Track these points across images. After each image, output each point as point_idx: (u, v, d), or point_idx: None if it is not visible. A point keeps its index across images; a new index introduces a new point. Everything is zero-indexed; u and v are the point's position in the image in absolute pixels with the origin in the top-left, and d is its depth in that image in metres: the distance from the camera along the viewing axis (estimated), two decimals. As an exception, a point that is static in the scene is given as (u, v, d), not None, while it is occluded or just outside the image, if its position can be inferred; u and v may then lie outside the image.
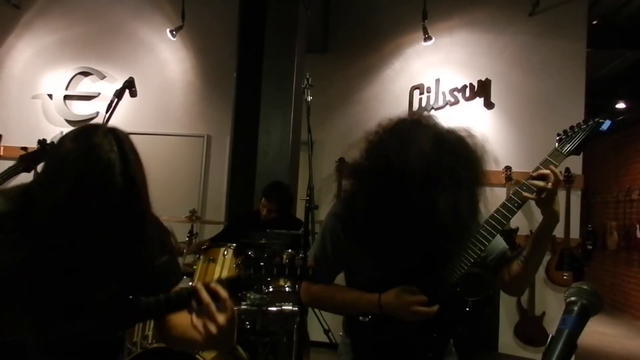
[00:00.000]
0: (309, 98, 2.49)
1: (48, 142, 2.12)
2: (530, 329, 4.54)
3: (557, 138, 1.60)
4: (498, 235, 1.59)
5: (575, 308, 0.86)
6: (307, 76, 2.51)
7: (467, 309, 1.56)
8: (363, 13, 5.25)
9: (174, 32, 5.04)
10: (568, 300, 0.88)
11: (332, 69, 5.16)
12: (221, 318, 1.05)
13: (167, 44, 5.31)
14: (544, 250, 1.60)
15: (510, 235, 4.15)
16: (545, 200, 1.50)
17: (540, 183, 1.49)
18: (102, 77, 5.38)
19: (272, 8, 4.27)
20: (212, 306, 1.06)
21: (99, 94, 5.34)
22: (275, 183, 3.71)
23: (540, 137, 4.73)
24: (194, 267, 3.17)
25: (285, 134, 4.18)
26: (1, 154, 5.21)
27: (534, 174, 1.51)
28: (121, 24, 5.43)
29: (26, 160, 2.00)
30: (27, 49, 5.56)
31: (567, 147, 1.57)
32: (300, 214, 3.97)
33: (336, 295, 1.67)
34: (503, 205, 1.55)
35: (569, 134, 1.59)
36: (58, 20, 5.53)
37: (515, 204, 1.54)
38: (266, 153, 4.15)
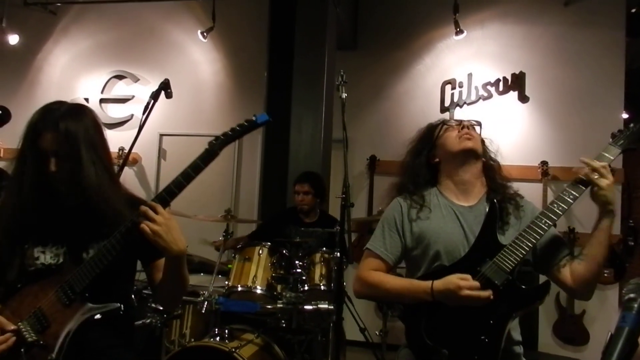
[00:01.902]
0: (344, 95, 2.48)
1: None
2: (569, 327, 4.43)
3: (612, 134, 1.64)
4: (553, 229, 1.63)
5: (636, 305, 0.83)
6: (342, 73, 2.49)
7: (523, 295, 1.59)
8: (392, 9, 5.20)
9: (205, 34, 5.09)
10: (627, 297, 0.85)
11: (362, 66, 5.12)
12: (158, 218, 1.36)
13: (198, 46, 5.37)
14: (604, 247, 1.59)
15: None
16: (599, 194, 1.54)
17: (595, 176, 1.53)
18: (136, 80, 5.48)
19: (301, 6, 4.27)
20: (149, 212, 1.36)
21: (133, 96, 5.45)
22: (305, 171, 3.77)
23: (578, 130, 4.61)
24: (229, 265, 3.20)
25: (316, 132, 4.17)
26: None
27: (587, 169, 1.55)
28: (153, 27, 5.52)
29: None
30: (64, 54, 5.71)
31: (622, 142, 1.60)
32: (333, 211, 3.97)
33: (388, 282, 1.71)
34: (558, 197, 1.60)
35: (625, 131, 1.62)
36: (93, 25, 5.66)
37: (570, 196, 1.58)
38: (298, 151, 4.16)
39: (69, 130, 1.43)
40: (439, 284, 1.59)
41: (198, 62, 5.44)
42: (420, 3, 5.12)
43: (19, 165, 1.47)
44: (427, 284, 1.61)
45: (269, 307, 2.72)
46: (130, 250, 1.46)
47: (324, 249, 3.02)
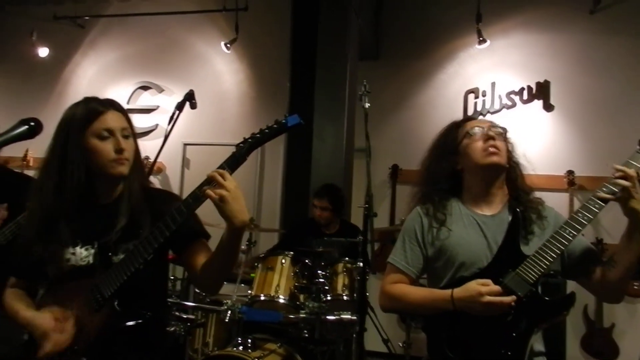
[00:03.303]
0: (367, 105, 2.48)
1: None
2: (598, 341, 4.32)
3: None
4: (581, 236, 1.59)
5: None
6: (365, 83, 2.50)
7: (547, 307, 1.55)
8: (414, 18, 5.20)
9: (228, 45, 5.16)
10: None
11: (384, 76, 5.12)
12: (227, 183, 1.29)
13: (222, 57, 5.45)
14: (634, 253, 1.55)
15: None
16: (626, 200, 1.49)
17: (624, 182, 1.48)
18: (161, 90, 5.58)
19: (324, 17, 4.30)
20: (217, 176, 1.30)
21: (158, 106, 5.54)
22: (324, 184, 3.77)
23: (604, 139, 4.52)
24: (252, 275, 3.21)
25: (338, 141, 4.18)
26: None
27: (615, 174, 1.51)
28: (178, 39, 5.62)
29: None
30: (92, 66, 5.85)
31: None
32: (355, 220, 3.96)
33: (411, 294, 1.69)
34: (583, 206, 1.55)
35: None
36: (119, 38, 5.79)
37: (596, 205, 1.53)
38: (320, 161, 4.17)
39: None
40: (459, 291, 1.56)
41: (221, 73, 5.51)
42: (443, 13, 5.11)
43: (56, 163, 1.45)
44: (447, 292, 1.59)
45: (292, 316, 2.71)
46: (164, 243, 1.40)
47: (347, 258, 3.01)
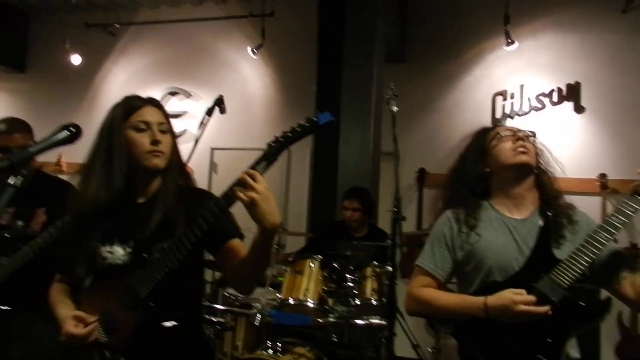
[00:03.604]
0: (394, 108, 2.48)
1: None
2: (633, 348, 4.20)
3: None
4: (612, 242, 1.55)
5: None
6: (392, 86, 2.49)
7: (582, 312, 1.52)
8: (441, 21, 5.17)
9: (255, 50, 5.21)
10: None
11: (410, 78, 5.10)
12: (257, 185, 1.26)
13: (248, 62, 5.50)
14: None
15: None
16: None
17: None
18: (189, 95, 5.66)
19: (350, 21, 4.31)
20: (248, 178, 1.27)
21: (186, 112, 5.62)
22: (353, 187, 3.77)
23: (637, 141, 4.41)
24: (280, 278, 3.23)
25: (365, 144, 4.18)
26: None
27: None
28: (205, 46, 5.70)
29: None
30: (122, 72, 5.98)
31: None
32: (383, 224, 3.94)
33: (440, 299, 1.68)
34: (616, 209, 1.52)
35: None
36: (149, 45, 5.91)
37: (630, 209, 1.50)
38: (347, 164, 4.17)
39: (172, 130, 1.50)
40: (492, 299, 1.54)
41: (248, 78, 5.57)
42: (470, 15, 5.07)
43: (100, 160, 1.47)
44: (480, 299, 1.57)
45: (321, 320, 2.72)
46: (199, 242, 1.37)
47: (375, 262, 3.01)
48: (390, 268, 2.60)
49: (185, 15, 5.74)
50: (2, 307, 1.97)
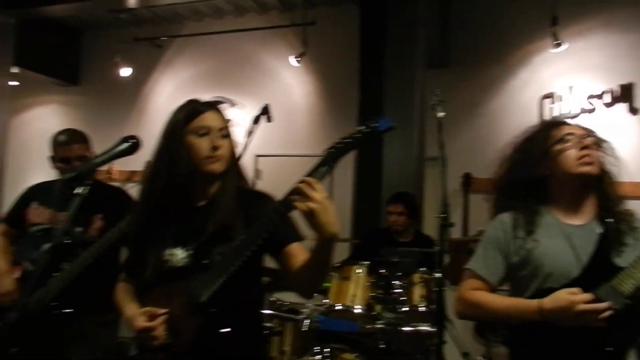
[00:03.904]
0: (440, 114, 2.46)
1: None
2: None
3: None
4: None
5: None
6: (437, 92, 2.47)
7: None
8: (485, 24, 5.09)
9: (298, 59, 5.27)
10: None
11: (454, 83, 5.04)
12: (315, 195, 1.24)
13: (290, 70, 5.57)
14: None
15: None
16: None
17: None
18: (233, 105, 5.75)
19: (391, 27, 4.31)
20: (306, 188, 1.24)
21: (230, 120, 5.72)
22: (398, 192, 3.75)
23: (697, 143, 4.22)
24: (326, 284, 3.23)
25: (408, 149, 4.16)
26: (148, 179, 5.77)
27: None
28: (248, 55, 5.81)
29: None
30: (169, 83, 6.17)
31: None
32: (428, 230, 3.90)
33: (493, 302, 1.64)
34: None
35: None
36: (194, 56, 6.08)
37: None
38: (391, 170, 4.16)
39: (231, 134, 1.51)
40: (548, 301, 1.49)
41: (290, 86, 5.63)
42: (515, 17, 4.97)
43: (162, 163, 1.49)
44: (534, 302, 1.52)
45: (368, 327, 2.71)
46: (259, 248, 1.37)
47: (423, 269, 2.98)
48: (438, 274, 2.57)
49: (228, 27, 5.87)
50: (64, 310, 2.04)
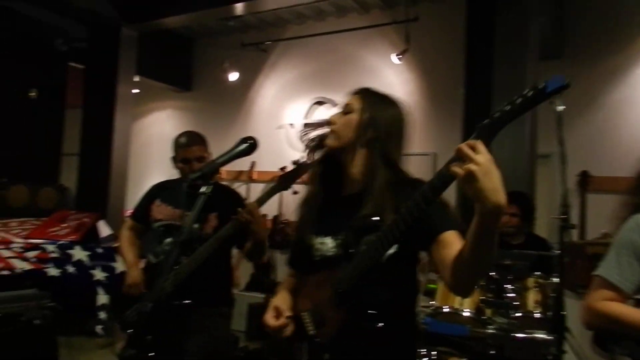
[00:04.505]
0: (560, 107, 2.30)
1: (301, 161, 2.33)
2: None
3: None
4: None
5: None
6: (557, 84, 2.30)
7: None
8: (604, 11, 4.70)
9: (400, 56, 5.21)
10: None
11: (569, 75, 4.58)
12: (477, 156, 1.07)
13: (392, 68, 5.52)
14: None
15: None
16: None
17: None
18: (335, 104, 5.84)
19: (501, 18, 4.11)
20: (466, 149, 1.08)
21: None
22: (511, 191, 3.52)
23: None
24: (431, 285, 3.16)
25: (520, 147, 3.93)
26: (255, 177, 6.01)
27: None
28: (350, 55, 5.84)
29: (284, 179, 2.24)
30: (273, 85, 6.38)
31: None
32: (540, 231, 3.68)
33: (631, 315, 1.53)
34: None
35: None
36: (297, 58, 6.23)
37: None
38: (500, 168, 3.94)
39: (372, 116, 1.46)
40: None
41: (392, 84, 5.57)
42: (637, 3, 4.54)
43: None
44: None
45: (479, 331, 2.60)
46: (407, 236, 1.23)
47: (538, 273, 2.80)
48: (556, 279, 2.41)
49: (329, 28, 5.94)
50: (184, 302, 2.17)
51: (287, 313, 1.47)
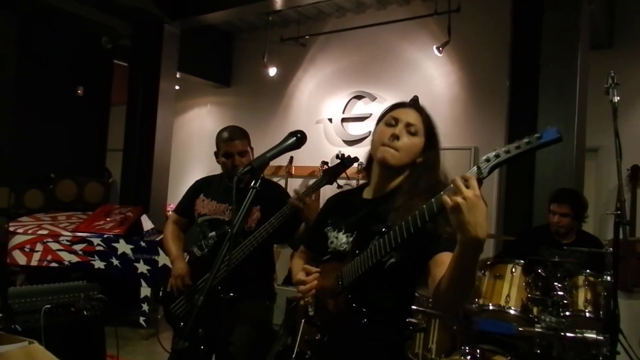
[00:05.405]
0: (616, 98, 2.20)
1: (345, 156, 2.32)
2: None
3: None
4: None
5: None
6: (612, 74, 2.21)
7: None
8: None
9: (441, 48, 5.11)
10: None
11: (619, 66, 4.44)
12: (466, 191, 1.14)
13: (433, 61, 5.42)
14: None
15: None
16: None
17: None
18: (373, 98, 5.78)
19: (549, 7, 3.96)
20: (458, 181, 1.15)
21: (371, 114, 5.75)
22: (562, 188, 3.40)
23: None
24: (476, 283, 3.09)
25: (567, 140, 3.80)
26: (293, 172, 6.02)
27: None
28: (389, 48, 5.76)
29: (329, 173, 2.23)
30: (311, 80, 6.36)
31: None
32: (589, 228, 3.55)
33: None
34: None
35: None
36: (335, 52, 6.19)
37: None
38: (546, 163, 3.83)
39: (432, 143, 1.54)
40: None
41: (432, 77, 5.48)
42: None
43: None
44: None
45: (525, 330, 2.53)
46: (411, 245, 1.32)
47: (588, 271, 2.70)
48: (609, 277, 2.31)
49: (369, 21, 5.88)
50: (229, 294, 2.18)
51: (315, 269, 1.58)
